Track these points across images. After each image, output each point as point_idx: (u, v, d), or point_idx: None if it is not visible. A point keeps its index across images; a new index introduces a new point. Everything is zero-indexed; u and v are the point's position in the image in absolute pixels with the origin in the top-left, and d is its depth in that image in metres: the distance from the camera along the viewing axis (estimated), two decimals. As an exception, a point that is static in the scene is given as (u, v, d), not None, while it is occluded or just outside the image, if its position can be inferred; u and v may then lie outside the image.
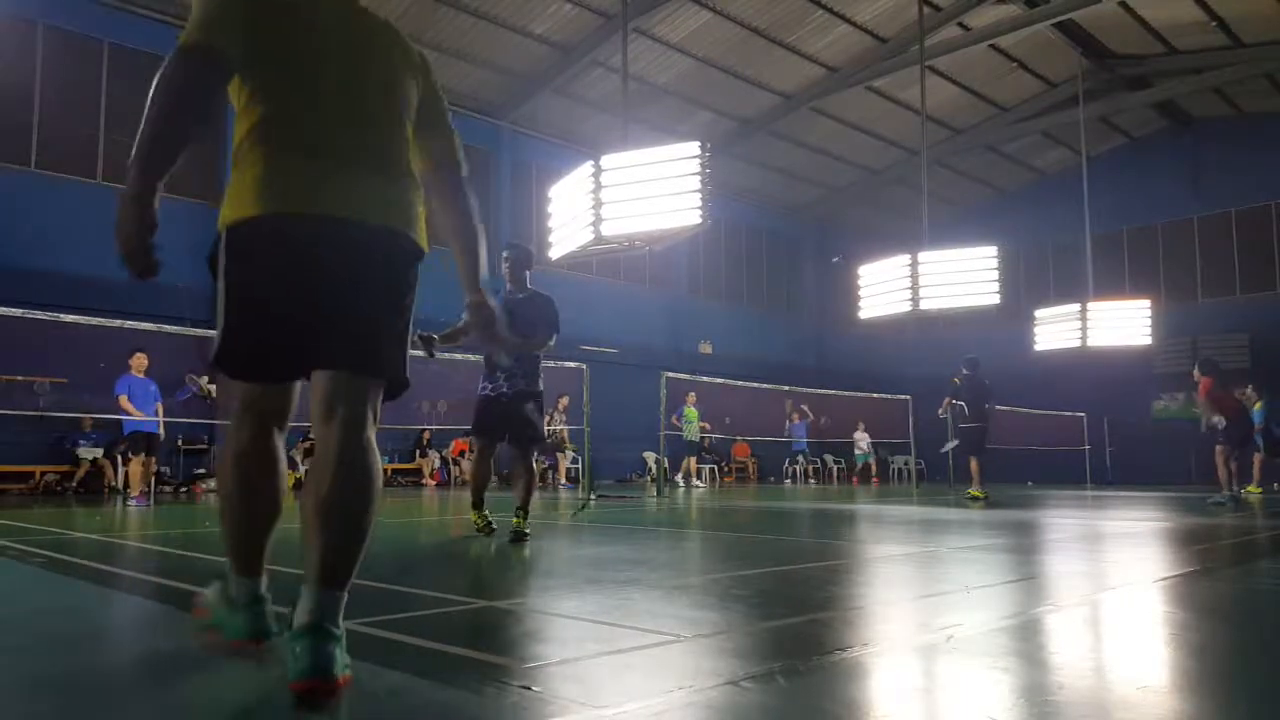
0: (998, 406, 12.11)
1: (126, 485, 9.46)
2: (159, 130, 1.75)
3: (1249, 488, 10.93)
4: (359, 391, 1.83)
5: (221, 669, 2.05)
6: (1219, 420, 9.84)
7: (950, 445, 12.40)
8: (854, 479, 19.10)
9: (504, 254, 5.31)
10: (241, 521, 2.03)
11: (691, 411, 15.10)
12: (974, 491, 10.26)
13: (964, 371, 10.97)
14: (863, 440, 19.06)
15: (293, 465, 13.74)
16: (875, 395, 17.31)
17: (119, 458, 11.62)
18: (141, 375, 9.25)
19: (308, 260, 1.82)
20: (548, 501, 10.16)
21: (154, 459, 9.47)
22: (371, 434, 1.83)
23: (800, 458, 18.82)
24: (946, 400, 11.24)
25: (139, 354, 9.27)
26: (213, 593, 2.12)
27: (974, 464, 10.52)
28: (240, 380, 1.97)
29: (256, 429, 1.98)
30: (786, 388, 16.03)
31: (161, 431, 9.40)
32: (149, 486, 9.44)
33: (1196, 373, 10.19)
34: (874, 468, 19.46)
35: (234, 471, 1.97)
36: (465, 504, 5.50)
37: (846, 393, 17.66)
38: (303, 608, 1.65)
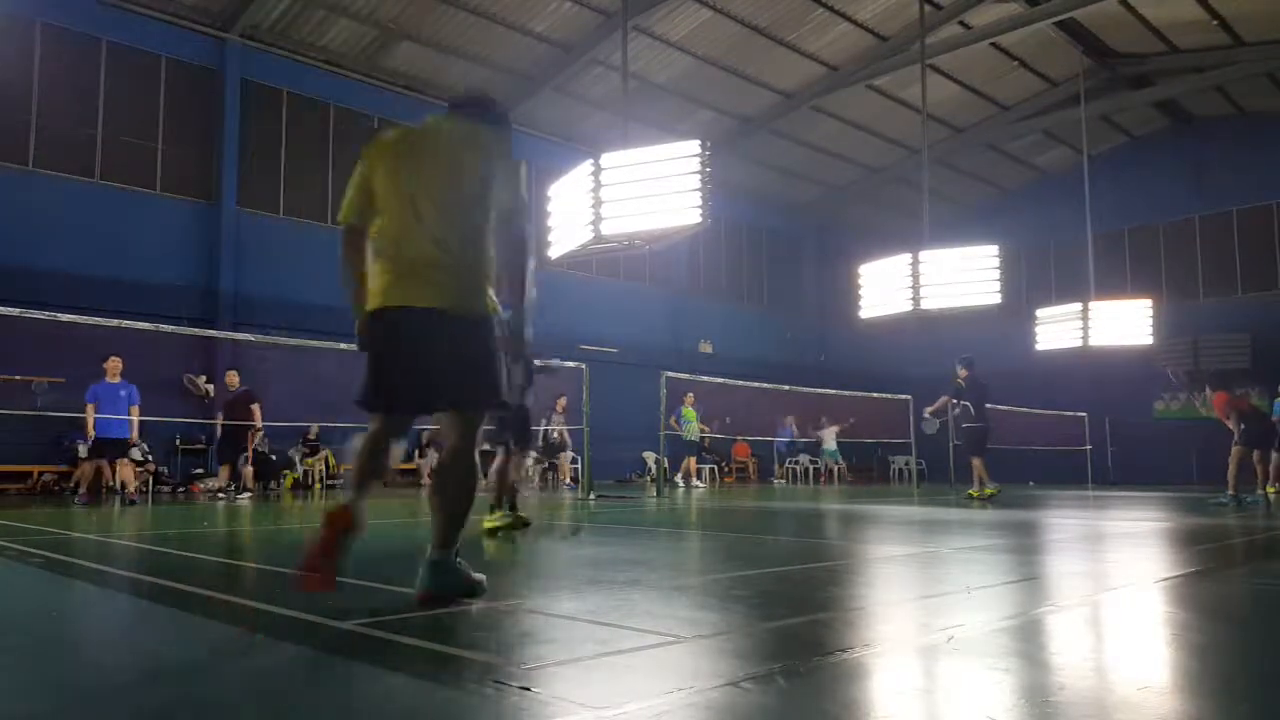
0: (994, 406, 12.08)
1: (74, 486, 9.72)
2: (344, 274, 3.02)
3: (1269, 487, 10.89)
4: (461, 423, 2.76)
5: (221, 669, 2.04)
6: (1233, 426, 9.85)
7: (933, 427, 12.34)
8: (821, 479, 18.75)
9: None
10: (361, 479, 2.78)
11: (690, 412, 15.09)
12: (984, 490, 10.11)
13: (962, 372, 10.87)
14: (830, 437, 18.79)
15: (291, 465, 13.74)
16: (875, 395, 17.29)
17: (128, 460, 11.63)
18: (115, 380, 9.42)
19: (392, 335, 2.72)
20: (548, 501, 10.15)
21: (121, 461, 9.63)
22: (469, 448, 2.73)
23: (790, 460, 18.72)
24: (945, 399, 11.09)
25: (113, 359, 9.44)
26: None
27: (978, 463, 10.43)
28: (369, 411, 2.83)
29: (380, 435, 2.83)
30: (787, 388, 16.02)
31: (134, 435, 9.57)
32: (104, 486, 9.62)
33: (1208, 391, 10.24)
34: (840, 466, 19.23)
35: (365, 447, 2.79)
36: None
37: (847, 392, 17.65)
38: (428, 555, 2.71)
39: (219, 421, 10.47)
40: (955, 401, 10.93)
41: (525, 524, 5.65)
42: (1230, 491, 9.54)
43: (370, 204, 2.81)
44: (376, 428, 2.79)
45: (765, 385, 15.63)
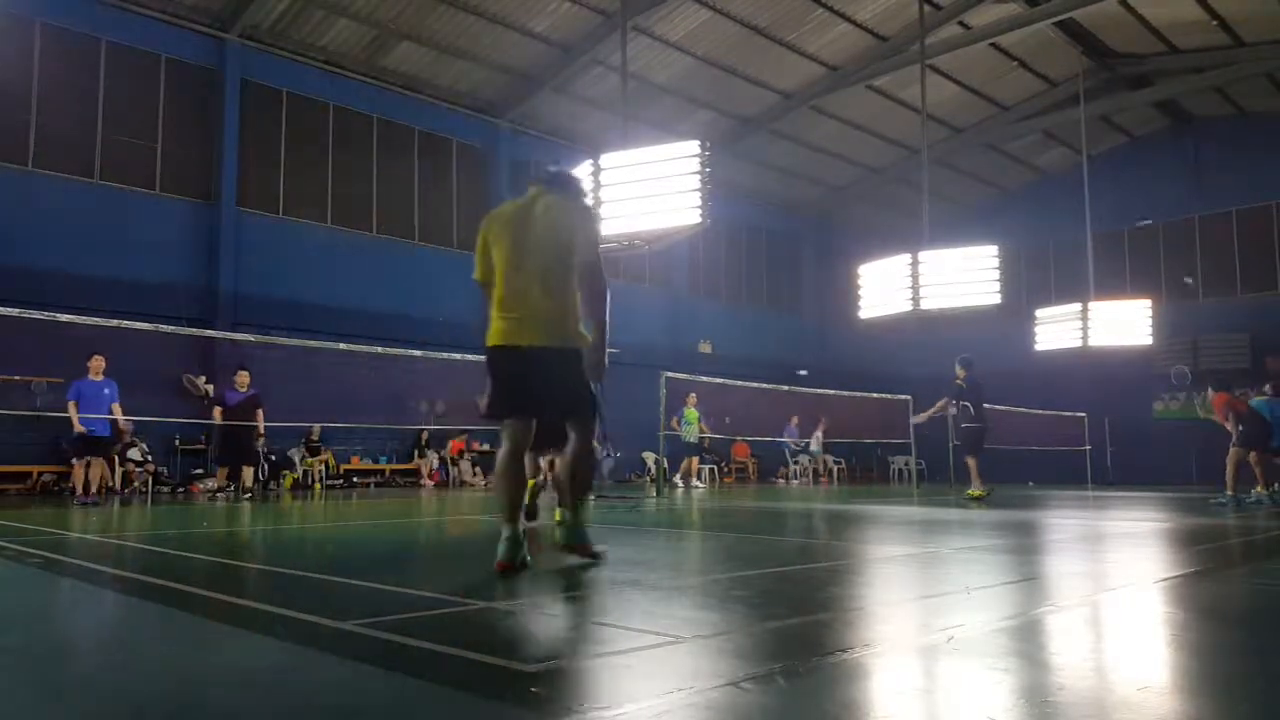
0: (992, 406, 12.11)
1: (73, 488, 9.64)
2: (489, 313, 3.64)
3: (1258, 488, 10.85)
4: (577, 428, 3.66)
5: (219, 668, 2.04)
6: (1230, 428, 9.86)
7: (921, 418, 12.37)
8: (822, 480, 18.73)
9: None
10: (509, 491, 3.57)
11: (692, 413, 15.09)
12: (975, 491, 10.17)
13: (961, 372, 10.87)
14: (818, 438, 18.78)
15: (291, 465, 13.73)
16: (875, 395, 17.29)
17: (115, 458, 11.61)
18: (98, 378, 9.40)
19: (512, 367, 3.54)
20: (547, 503, 10.13)
21: (103, 460, 9.65)
22: (588, 444, 3.68)
23: (803, 459, 18.76)
24: (944, 401, 11.06)
25: (96, 357, 9.42)
26: (503, 545, 3.49)
27: (973, 463, 10.48)
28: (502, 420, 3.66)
29: (514, 445, 3.58)
30: (786, 388, 16.03)
31: (122, 432, 9.66)
32: (101, 486, 9.61)
33: (1209, 391, 10.27)
34: (824, 467, 19.21)
35: (506, 465, 3.57)
36: (464, 504, 5.55)
37: (846, 393, 17.64)
38: (562, 518, 3.79)
39: (216, 421, 10.34)
40: (955, 402, 10.89)
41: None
42: (1229, 492, 9.55)
43: (491, 264, 3.59)
44: (507, 446, 3.58)
45: (765, 385, 15.63)
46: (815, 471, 18.89)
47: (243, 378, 10.49)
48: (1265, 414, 10.23)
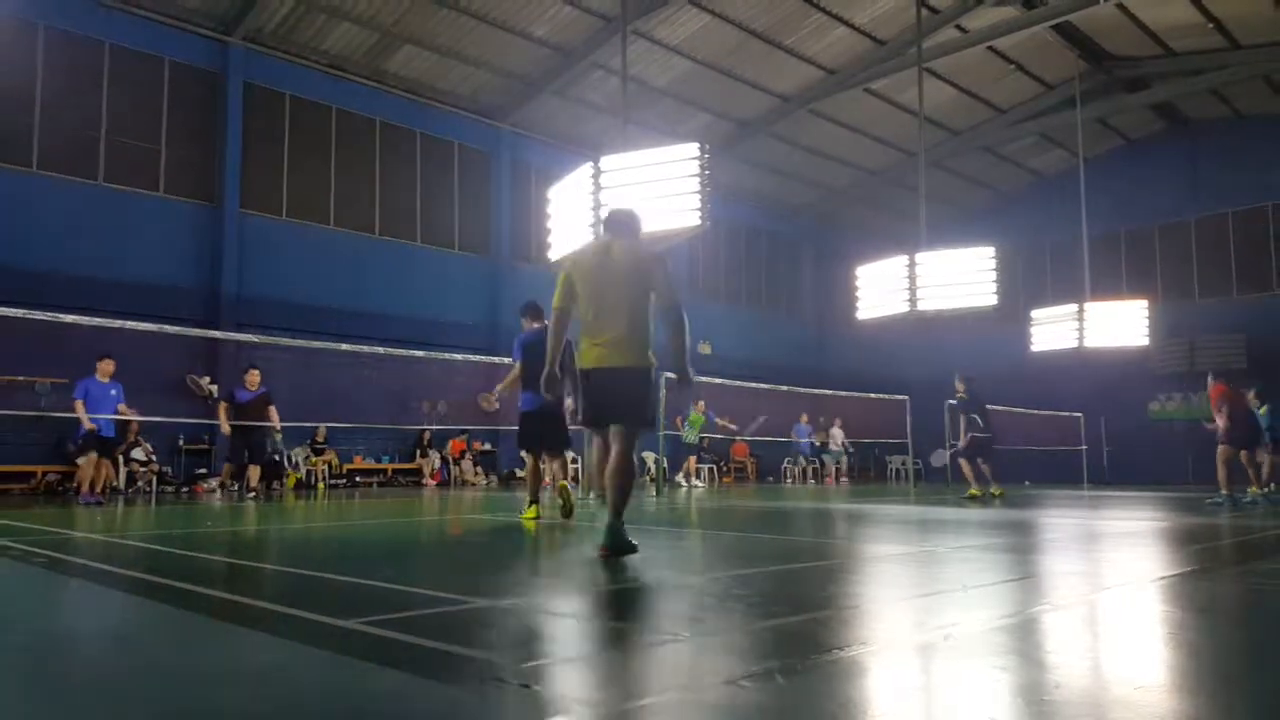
0: (991, 407, 12.20)
1: (78, 486, 9.58)
2: (552, 345, 4.49)
3: (1253, 489, 10.86)
4: (624, 434, 4.25)
5: (222, 668, 2.07)
6: (1220, 422, 9.88)
7: (941, 459, 12.56)
8: (826, 479, 18.92)
9: (521, 310, 6.96)
10: (599, 481, 4.44)
11: (697, 417, 15.21)
12: (967, 491, 10.64)
13: (961, 387, 11.22)
14: (838, 436, 18.99)
15: (294, 465, 13.74)
16: (873, 395, 17.32)
17: (120, 458, 11.62)
18: (105, 380, 9.41)
19: (591, 385, 4.31)
20: (546, 503, 10.14)
21: (107, 460, 9.66)
22: (631, 450, 4.26)
23: (800, 459, 18.82)
24: (963, 418, 11.24)
25: (106, 359, 9.43)
26: (606, 527, 4.10)
27: (965, 465, 10.92)
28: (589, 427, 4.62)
29: (603, 445, 4.39)
30: (786, 388, 16.05)
31: (130, 432, 9.63)
32: (105, 485, 9.63)
33: (1210, 379, 10.36)
34: (843, 466, 19.31)
35: (599, 456, 4.42)
36: (464, 504, 5.58)
37: (846, 393, 17.67)
38: (608, 522, 4.06)
39: (221, 419, 10.28)
40: (965, 415, 11.21)
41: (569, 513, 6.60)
42: (1224, 491, 9.57)
43: (573, 298, 4.33)
44: (599, 442, 4.47)
45: (764, 386, 15.66)
46: (837, 470, 19.01)
47: (253, 376, 10.45)
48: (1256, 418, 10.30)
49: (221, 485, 10.56)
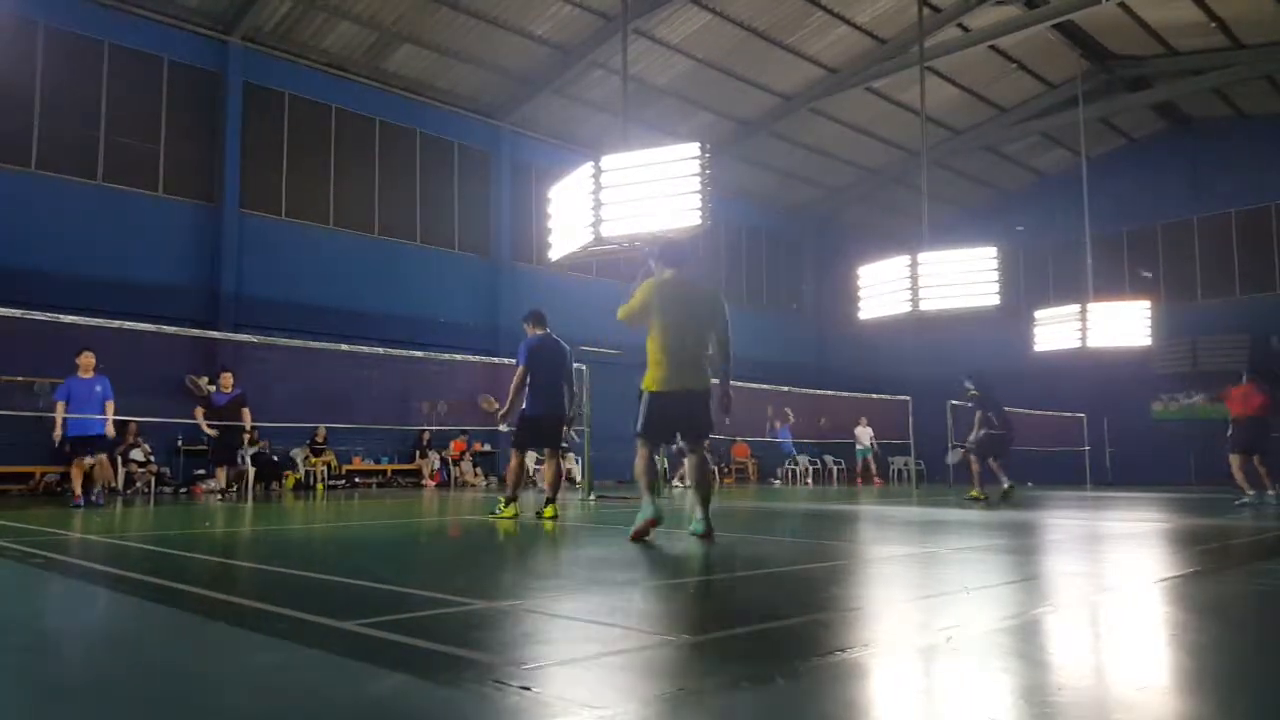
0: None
1: (70, 487, 9.15)
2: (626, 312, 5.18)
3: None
4: (701, 446, 5.11)
5: (220, 668, 2.05)
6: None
7: (955, 457, 12.29)
8: (858, 479, 19.10)
9: (525, 317, 7.17)
10: (650, 477, 4.98)
11: None
12: (973, 492, 10.34)
13: (972, 389, 10.94)
14: (865, 435, 19.07)
15: (293, 466, 13.74)
16: (875, 396, 17.31)
17: (119, 458, 11.61)
18: (89, 375, 8.94)
19: (671, 405, 4.98)
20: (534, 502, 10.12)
21: (100, 459, 9.15)
22: (706, 456, 5.15)
23: (788, 460, 18.80)
24: (979, 415, 10.73)
25: (86, 353, 8.97)
26: (643, 511, 4.83)
27: (974, 464, 10.67)
28: (647, 438, 5.04)
29: (650, 451, 5.05)
30: (786, 388, 16.04)
31: (111, 430, 9.03)
32: (105, 486, 9.36)
33: (1244, 378, 10.38)
34: (874, 465, 19.40)
35: (647, 464, 4.99)
36: (464, 504, 5.58)
37: (846, 393, 17.66)
38: (698, 517, 4.96)
39: (205, 422, 10.23)
40: (981, 412, 10.80)
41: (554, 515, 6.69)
42: (1249, 492, 9.50)
43: (647, 316, 4.97)
44: (646, 451, 5.00)
45: (764, 386, 15.64)
46: (869, 470, 19.04)
47: (226, 379, 10.42)
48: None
49: (225, 489, 10.49)
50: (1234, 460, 9.85)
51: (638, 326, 5.03)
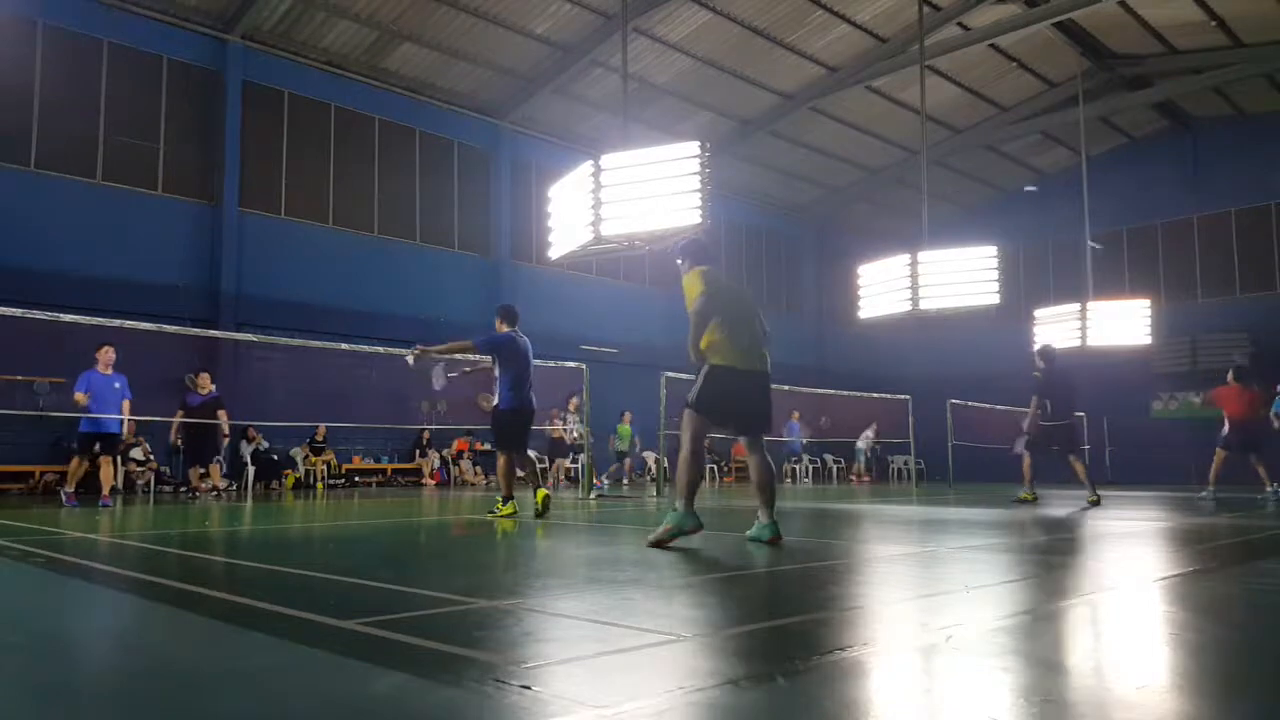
0: (992, 407, 11.89)
1: (63, 484, 8.96)
2: (695, 336, 4.68)
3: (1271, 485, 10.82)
4: (761, 441, 4.92)
5: (221, 668, 2.05)
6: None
7: (1021, 445, 10.60)
8: (854, 478, 19.17)
9: (499, 310, 7.24)
10: (693, 479, 4.63)
11: (625, 429, 15.47)
12: (1024, 493, 9.51)
13: (1038, 368, 9.79)
14: (864, 438, 19.18)
15: (292, 465, 13.74)
16: (875, 395, 17.31)
17: (118, 458, 11.59)
18: (108, 372, 8.77)
19: (737, 385, 4.69)
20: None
21: (110, 459, 8.98)
22: (766, 453, 4.87)
23: (792, 458, 18.84)
24: (1033, 403, 9.59)
25: (106, 347, 8.77)
26: (672, 518, 4.51)
27: (1027, 460, 9.70)
28: (702, 416, 4.66)
29: (700, 442, 4.70)
30: (786, 388, 16.03)
31: (129, 431, 9.09)
32: (110, 487, 9.17)
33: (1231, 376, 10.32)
34: (865, 466, 19.46)
35: (693, 458, 4.62)
36: (464, 505, 5.60)
37: (846, 393, 17.66)
38: (765, 516, 4.73)
39: (177, 419, 10.10)
40: (1037, 397, 9.60)
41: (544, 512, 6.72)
42: (1213, 486, 9.52)
43: (710, 316, 4.66)
44: (695, 437, 4.65)
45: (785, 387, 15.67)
46: (872, 470, 19.18)
47: (203, 379, 10.35)
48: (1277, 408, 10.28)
49: (226, 488, 10.43)
50: (1219, 456, 9.84)
51: (705, 328, 4.63)
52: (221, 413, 10.19)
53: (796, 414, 18.52)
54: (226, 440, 10.83)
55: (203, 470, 10.46)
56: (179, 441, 10.43)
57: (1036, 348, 10.45)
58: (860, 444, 19.22)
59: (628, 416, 15.59)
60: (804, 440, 18.86)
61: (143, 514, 7.86)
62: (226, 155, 13.73)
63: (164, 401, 11.73)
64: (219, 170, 13.73)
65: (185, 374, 12.81)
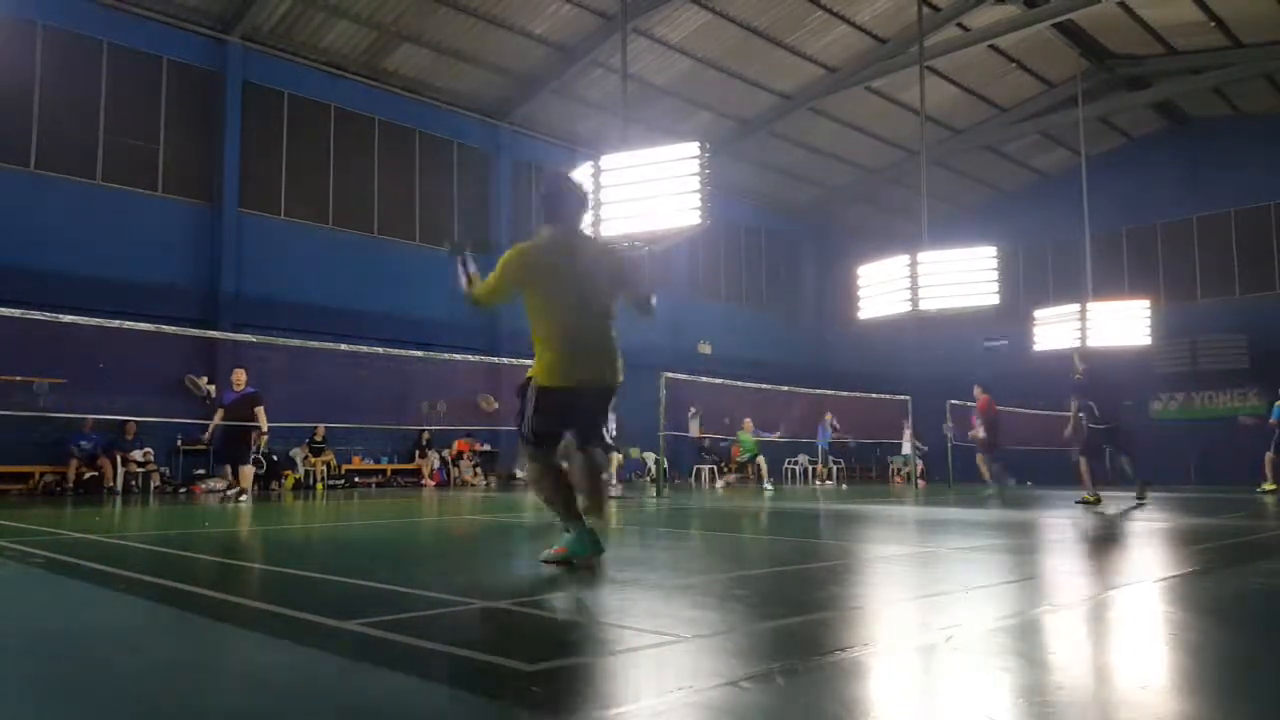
0: (1004, 408, 11.75)
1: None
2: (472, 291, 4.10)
3: (1265, 485, 10.83)
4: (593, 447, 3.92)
5: (221, 669, 2.05)
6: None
7: (1068, 432, 10.36)
8: (901, 479, 18.83)
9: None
10: (561, 495, 3.77)
11: (747, 438, 15.37)
12: (1088, 495, 9.17)
13: (1079, 371, 9.60)
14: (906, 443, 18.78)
15: (292, 466, 13.73)
16: (874, 395, 17.31)
17: (118, 459, 11.60)
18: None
19: (568, 403, 3.76)
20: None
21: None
22: (601, 455, 4.01)
23: (810, 458, 18.75)
24: (1075, 404, 9.39)
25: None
26: (566, 540, 3.72)
27: (1084, 465, 9.39)
28: (539, 442, 3.81)
29: (549, 457, 3.85)
30: (786, 388, 16.04)
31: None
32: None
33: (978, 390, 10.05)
34: (918, 468, 19.08)
35: (547, 475, 3.79)
36: (464, 504, 5.58)
37: (847, 393, 17.66)
38: (595, 526, 3.74)
39: (216, 421, 10.18)
40: (1079, 400, 9.41)
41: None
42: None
43: (505, 298, 3.96)
44: (547, 452, 3.92)
45: (764, 386, 15.64)
46: (908, 474, 18.93)
47: (239, 376, 10.23)
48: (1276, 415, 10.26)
49: (229, 488, 10.27)
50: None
51: (493, 307, 4.04)
52: (259, 409, 9.78)
53: (829, 414, 18.32)
54: (265, 438, 10.61)
55: (231, 470, 10.38)
56: (209, 441, 10.32)
57: (1077, 350, 10.26)
58: (907, 448, 18.70)
59: (748, 424, 15.46)
60: (829, 441, 18.71)
61: (142, 514, 7.85)
62: (226, 156, 13.72)
63: (163, 402, 11.74)
64: (219, 171, 13.73)
65: (186, 375, 12.81)
